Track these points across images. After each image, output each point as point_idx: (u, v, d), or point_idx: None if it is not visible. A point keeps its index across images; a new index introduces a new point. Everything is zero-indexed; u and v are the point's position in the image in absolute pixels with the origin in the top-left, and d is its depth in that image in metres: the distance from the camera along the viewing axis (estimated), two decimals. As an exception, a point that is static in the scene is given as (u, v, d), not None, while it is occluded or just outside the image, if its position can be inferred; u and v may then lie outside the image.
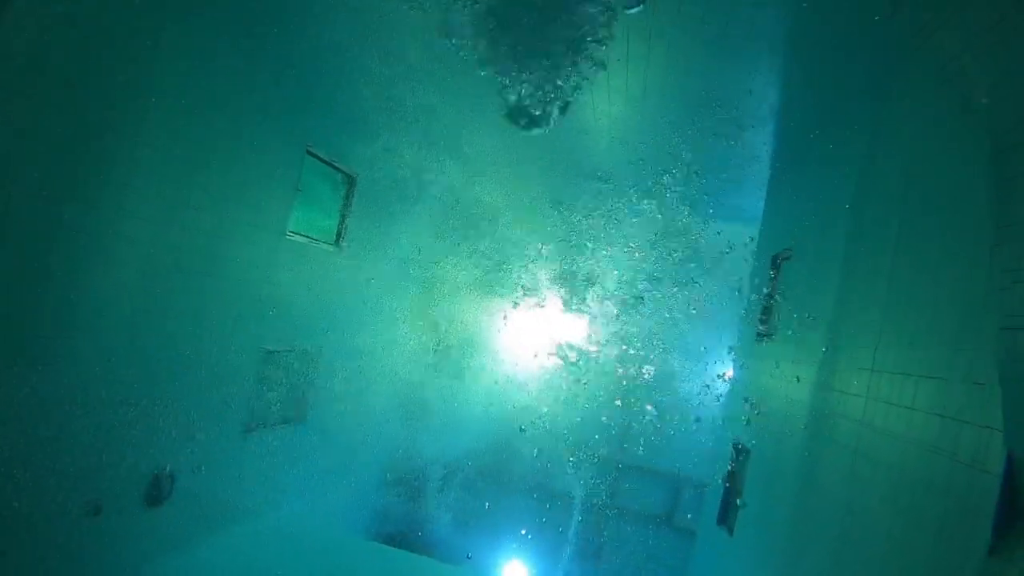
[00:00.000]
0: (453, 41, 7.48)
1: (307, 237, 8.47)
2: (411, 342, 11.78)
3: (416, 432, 12.15)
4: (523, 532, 12.79)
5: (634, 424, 12.83)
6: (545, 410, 12.83)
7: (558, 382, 12.97)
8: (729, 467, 9.24)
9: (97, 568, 6.08)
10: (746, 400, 8.85)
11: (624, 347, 12.53)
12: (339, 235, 9.24)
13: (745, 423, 8.53)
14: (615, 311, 12.61)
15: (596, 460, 13.08)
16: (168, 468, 6.79)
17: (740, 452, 8.79)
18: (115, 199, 5.39)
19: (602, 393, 12.57)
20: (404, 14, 8.76)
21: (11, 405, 4.73)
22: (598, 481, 13.31)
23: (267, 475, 8.50)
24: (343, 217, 9.30)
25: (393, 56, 9.26)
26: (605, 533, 13.60)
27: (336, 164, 8.70)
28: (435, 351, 12.34)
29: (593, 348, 12.95)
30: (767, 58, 6.76)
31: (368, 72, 9.06)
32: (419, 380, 12.15)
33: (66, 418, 5.29)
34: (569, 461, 13.03)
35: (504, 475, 13.13)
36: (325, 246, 8.96)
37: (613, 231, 12.44)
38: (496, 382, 12.92)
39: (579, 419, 12.76)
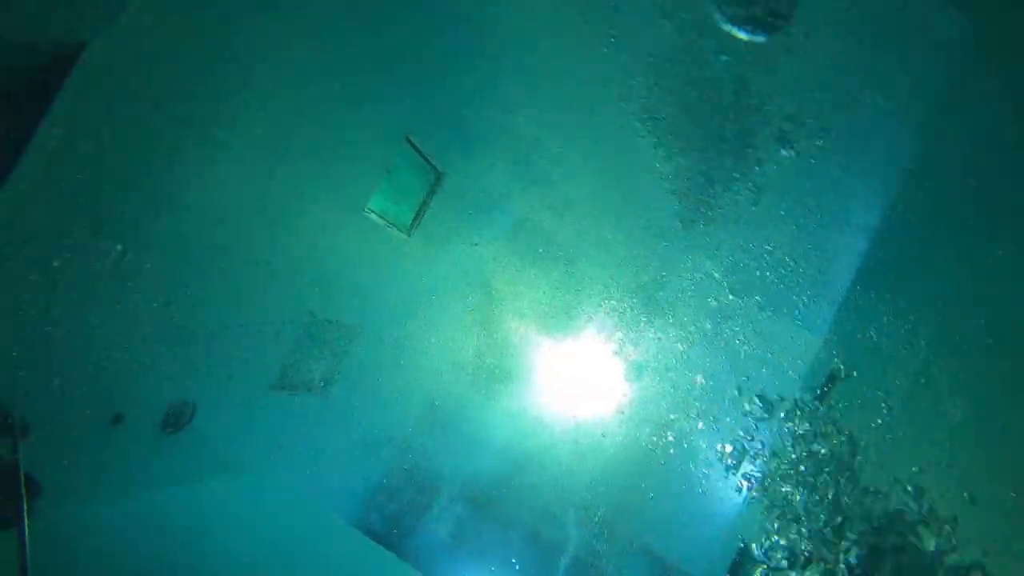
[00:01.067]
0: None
1: (383, 219, 8.57)
2: (455, 348, 11.78)
3: (433, 438, 12.12)
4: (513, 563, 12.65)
5: (643, 496, 12.58)
6: (564, 454, 12.70)
7: (583, 430, 12.79)
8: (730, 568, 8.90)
9: (107, 473, 6.24)
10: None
11: (658, 419, 12.30)
12: (413, 225, 9.31)
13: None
14: (659, 385, 12.39)
15: (595, 520, 12.85)
16: (191, 403, 6.95)
17: (746, 557, 8.44)
18: (214, 138, 5.57)
19: (622, 455, 12.36)
20: (546, 51, 8.95)
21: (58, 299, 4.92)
22: (590, 541, 13.05)
23: (278, 435, 8.59)
24: (422, 209, 9.38)
25: (521, 79, 9.42)
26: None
27: (429, 158, 8.79)
28: (476, 364, 12.29)
29: (624, 410, 12.74)
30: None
31: (490, 87, 9.21)
32: (452, 388, 12.13)
33: (111, 327, 5.47)
34: (570, 514, 12.85)
35: (504, 507, 12.99)
36: (397, 232, 9.04)
37: (682, 312, 12.25)
38: (524, 412, 12.82)
39: (592, 476, 12.60)
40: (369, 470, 11.28)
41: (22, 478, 4.35)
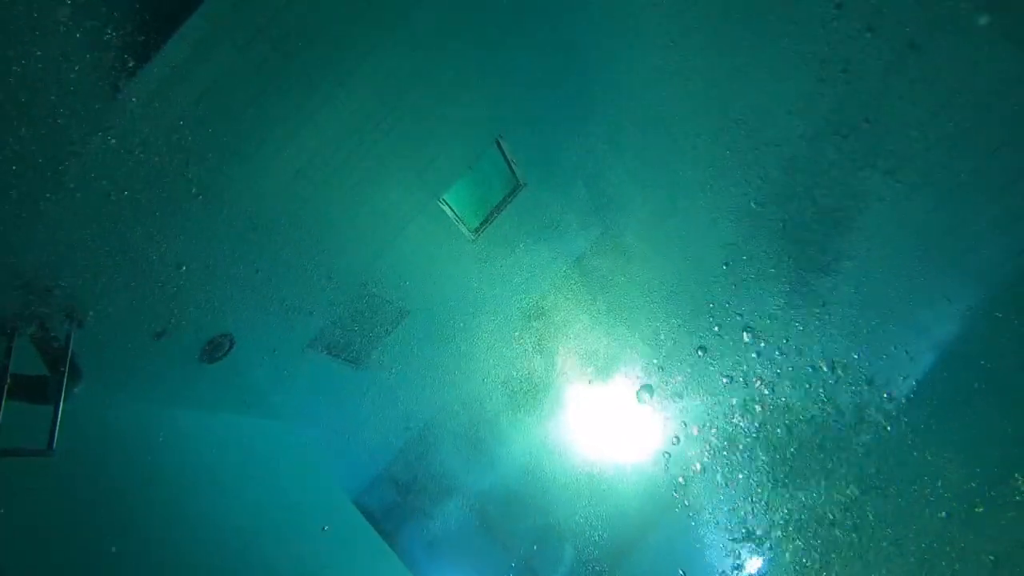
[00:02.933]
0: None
1: (454, 213, 8.74)
2: (494, 360, 11.80)
3: (450, 440, 12.16)
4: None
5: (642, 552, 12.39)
6: (576, 493, 12.61)
7: (600, 474, 12.66)
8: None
9: (144, 382, 6.52)
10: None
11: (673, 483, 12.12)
12: (481, 227, 9.45)
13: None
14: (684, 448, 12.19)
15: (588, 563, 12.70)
16: (231, 337, 7.20)
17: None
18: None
19: (633, 505, 12.21)
20: (651, 105, 9.05)
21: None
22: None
23: (303, 392, 8.79)
24: (492, 214, 9.51)
25: (620, 123, 9.52)
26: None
27: (513, 165, 8.93)
28: (511, 381, 12.28)
29: (644, 464, 12.56)
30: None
31: (591, 120, 9.30)
32: (482, 398, 12.15)
33: (178, 250, 5.76)
34: (566, 551, 12.73)
35: (502, 528, 12.94)
36: (464, 230, 9.19)
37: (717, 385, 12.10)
38: (547, 442, 12.76)
39: (598, 521, 12.47)
40: (380, 452, 11.38)
41: (68, 362, 4.60)
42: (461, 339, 10.66)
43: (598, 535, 12.70)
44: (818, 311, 11.23)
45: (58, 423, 4.16)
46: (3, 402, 3.85)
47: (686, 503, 12.14)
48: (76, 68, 4.23)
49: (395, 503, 12.46)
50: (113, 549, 4.86)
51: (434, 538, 12.85)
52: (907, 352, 11.41)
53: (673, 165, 10.82)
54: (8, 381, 3.95)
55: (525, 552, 12.79)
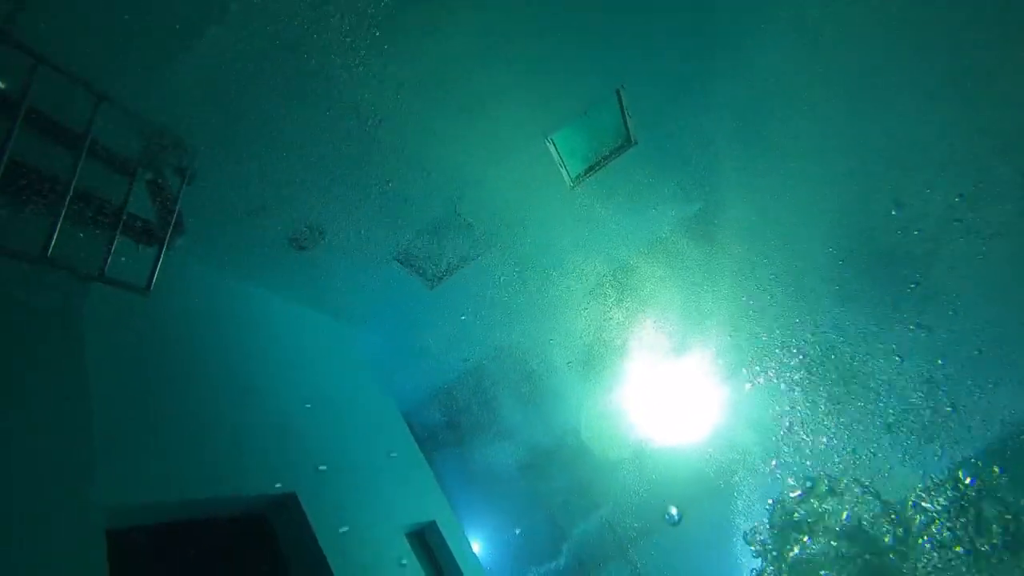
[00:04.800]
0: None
1: (559, 156, 8.60)
2: (567, 315, 11.73)
3: (506, 382, 12.28)
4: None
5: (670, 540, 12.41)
6: (620, 464, 12.62)
7: (649, 452, 12.62)
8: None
9: (236, 255, 6.82)
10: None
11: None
12: (582, 176, 9.28)
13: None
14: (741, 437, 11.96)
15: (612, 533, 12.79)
16: (321, 231, 7.40)
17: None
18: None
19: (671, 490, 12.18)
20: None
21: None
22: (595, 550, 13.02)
23: (376, 300, 9.01)
24: (597, 166, 9.31)
25: (749, 110, 9.13)
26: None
27: (628, 119, 8.68)
28: (585, 340, 12.21)
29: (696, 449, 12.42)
30: None
31: (721, 89, 8.93)
32: (550, 351, 12.14)
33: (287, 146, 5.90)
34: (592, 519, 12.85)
35: (537, 482, 13.13)
36: (565, 176, 9.04)
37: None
38: (604, 412, 12.74)
39: (635, 497, 12.51)
40: (436, 376, 11.62)
41: (176, 214, 4.80)
42: (537, 285, 10.63)
43: (630, 505, 12.69)
44: (911, 330, 10.70)
45: (158, 267, 4.38)
46: (117, 235, 4.05)
47: (731, 492, 11.97)
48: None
49: (438, 429, 12.78)
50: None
51: (468, 471, 13.14)
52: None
53: (785, 158, 10.37)
54: (124, 217, 4.16)
55: (552, 504, 12.94)
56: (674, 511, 12.18)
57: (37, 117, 3.67)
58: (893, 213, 10.46)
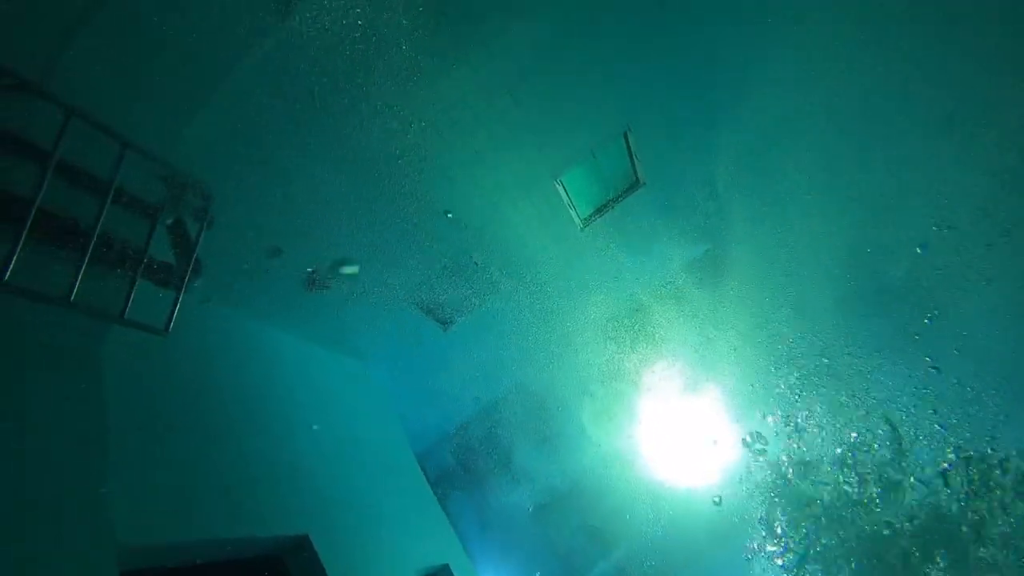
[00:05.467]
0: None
1: (568, 197, 8.74)
2: (582, 352, 11.71)
3: (519, 423, 12.21)
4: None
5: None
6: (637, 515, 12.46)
7: (665, 492, 12.46)
8: None
9: (253, 297, 6.94)
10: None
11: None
12: (591, 218, 9.41)
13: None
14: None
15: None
16: (335, 272, 7.52)
17: None
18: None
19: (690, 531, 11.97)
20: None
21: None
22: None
23: (389, 341, 9.08)
24: (605, 208, 9.44)
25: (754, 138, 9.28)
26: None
27: (636, 161, 8.82)
28: (599, 379, 12.17)
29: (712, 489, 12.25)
30: None
31: (727, 129, 9.08)
32: (564, 390, 12.10)
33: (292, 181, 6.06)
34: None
35: (551, 523, 12.95)
36: (575, 217, 9.17)
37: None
38: (619, 450, 12.63)
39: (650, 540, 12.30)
40: (449, 417, 11.59)
41: (194, 257, 4.92)
42: (550, 326, 10.67)
43: (645, 550, 12.46)
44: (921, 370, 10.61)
45: (177, 308, 4.47)
46: (139, 277, 4.16)
47: (745, 544, 11.74)
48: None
49: (451, 470, 12.67)
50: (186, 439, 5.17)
51: (481, 514, 12.98)
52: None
53: (790, 198, 10.49)
54: (145, 260, 4.27)
55: (567, 548, 12.73)
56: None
57: (64, 164, 3.81)
58: (918, 251, 10.45)
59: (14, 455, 3.05)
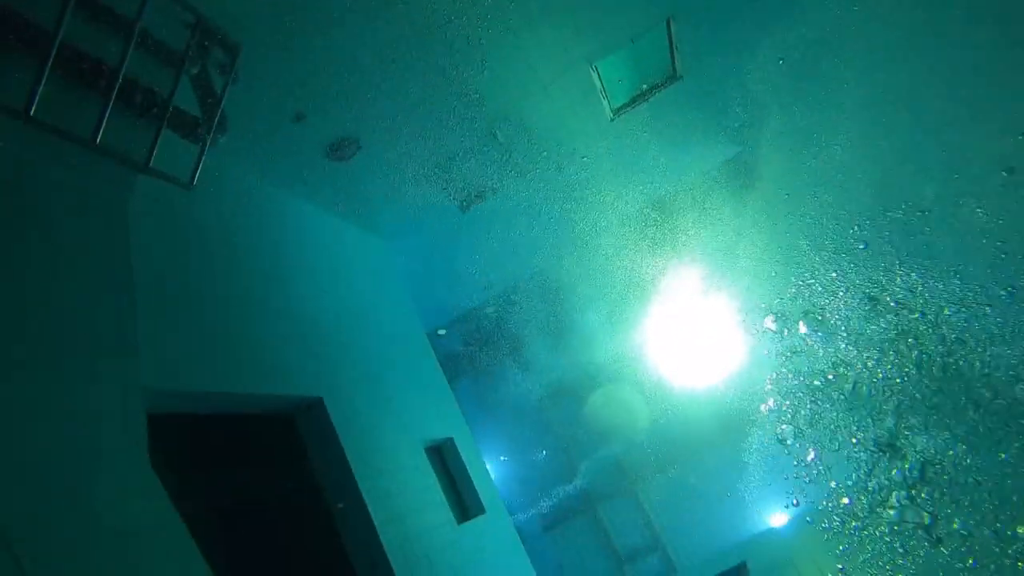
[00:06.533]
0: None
1: (601, 85, 8.41)
2: (603, 249, 11.63)
3: (533, 307, 12.33)
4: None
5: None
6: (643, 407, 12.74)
7: (674, 394, 12.72)
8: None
9: (275, 161, 6.84)
10: None
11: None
12: (623, 108, 9.09)
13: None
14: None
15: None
16: (359, 143, 7.37)
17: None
18: None
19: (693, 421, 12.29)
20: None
21: None
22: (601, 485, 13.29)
23: (407, 218, 9.05)
24: (639, 99, 9.10)
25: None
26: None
27: (676, 52, 8.41)
28: (617, 273, 12.15)
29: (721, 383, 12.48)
30: None
31: (772, 30, 8.56)
32: (580, 282, 12.11)
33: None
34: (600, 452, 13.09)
35: (557, 414, 13.32)
36: (606, 106, 8.86)
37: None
38: (630, 346, 12.80)
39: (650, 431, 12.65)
40: (461, 299, 11.73)
41: (220, 111, 4.79)
42: (569, 215, 10.57)
43: (643, 445, 12.92)
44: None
45: (202, 162, 4.40)
46: (163, 126, 4.07)
47: (751, 437, 12.11)
48: None
49: (459, 353, 12.99)
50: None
51: (486, 397, 13.41)
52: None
53: (828, 109, 10.08)
54: (170, 109, 4.16)
55: (566, 437, 13.21)
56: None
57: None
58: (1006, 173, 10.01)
59: (44, 293, 3.09)
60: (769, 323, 11.46)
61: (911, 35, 9.00)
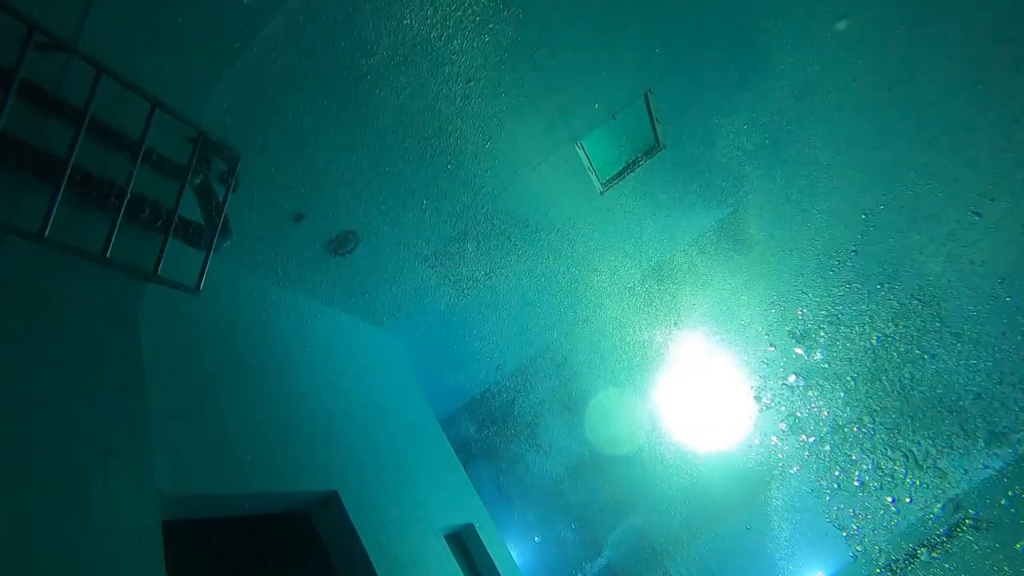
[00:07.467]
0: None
1: (588, 161, 8.71)
2: (604, 320, 11.70)
3: (543, 394, 12.28)
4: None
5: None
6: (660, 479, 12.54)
7: (691, 463, 12.53)
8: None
9: (277, 258, 7.02)
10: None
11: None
12: (612, 181, 9.36)
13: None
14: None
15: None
16: (357, 236, 7.57)
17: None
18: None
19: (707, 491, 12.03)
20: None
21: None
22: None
23: (410, 306, 9.17)
24: (626, 171, 9.39)
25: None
26: None
27: (657, 123, 8.75)
28: (619, 344, 12.18)
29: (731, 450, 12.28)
30: None
31: (749, 89, 8.94)
32: (585, 357, 12.13)
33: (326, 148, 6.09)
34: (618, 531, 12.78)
35: (577, 491, 13.08)
36: (595, 181, 9.14)
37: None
38: (642, 414, 12.70)
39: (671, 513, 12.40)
40: (470, 383, 11.70)
41: (223, 218, 4.99)
42: (572, 289, 10.70)
43: (666, 515, 12.59)
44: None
45: (207, 267, 4.56)
46: (169, 237, 4.24)
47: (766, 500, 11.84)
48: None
49: (474, 437, 12.83)
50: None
51: (503, 479, 13.15)
52: None
53: (811, 163, 10.39)
54: (175, 220, 4.35)
55: (589, 512, 12.89)
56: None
57: (96, 122, 3.87)
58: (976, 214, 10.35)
59: (60, 404, 3.16)
60: (791, 380, 11.44)
61: (878, 90, 9.36)
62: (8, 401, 2.93)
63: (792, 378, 11.60)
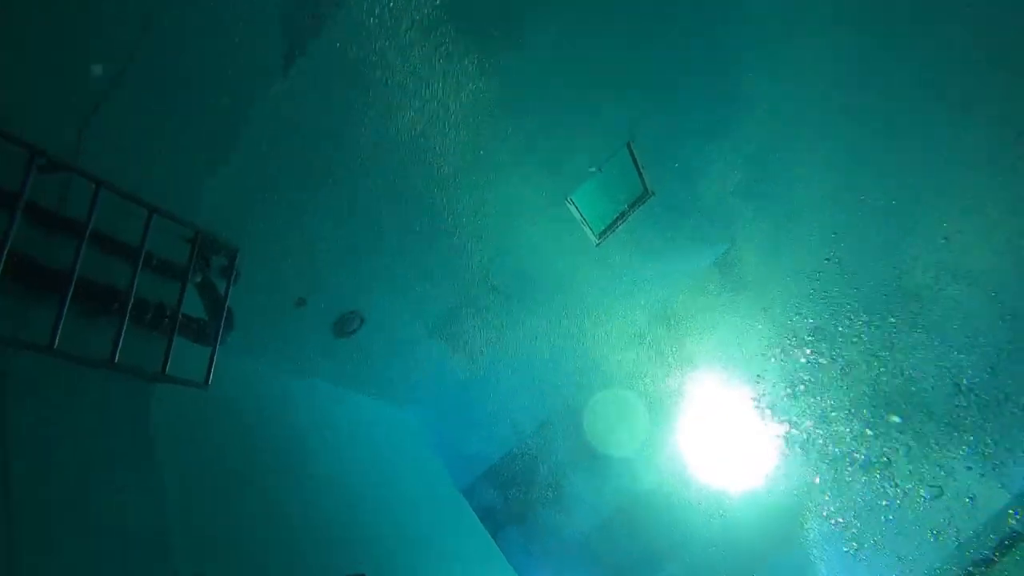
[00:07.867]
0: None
1: (580, 215, 8.83)
2: (615, 370, 11.63)
3: (559, 449, 12.13)
4: None
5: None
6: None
7: (719, 507, 12.27)
8: None
9: (284, 347, 7.08)
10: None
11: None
12: (606, 232, 9.47)
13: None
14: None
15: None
16: (361, 315, 7.64)
17: None
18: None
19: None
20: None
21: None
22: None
23: (420, 379, 9.16)
24: (617, 220, 9.51)
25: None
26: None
27: (643, 171, 8.91)
28: (633, 392, 12.06)
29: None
30: None
31: (733, 128, 9.13)
32: (600, 407, 12.00)
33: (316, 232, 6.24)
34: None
35: (608, 548, 12.77)
36: (589, 233, 9.24)
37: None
38: (662, 463, 12.50)
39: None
40: (489, 450, 11.56)
41: (225, 311, 5.08)
42: (579, 343, 10.69)
43: (703, 560, 12.21)
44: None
45: (214, 362, 4.62)
46: (174, 336, 4.32)
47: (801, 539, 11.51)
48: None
49: (499, 504, 12.58)
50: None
51: (532, 544, 12.83)
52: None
53: (799, 199, 10.50)
54: (179, 319, 4.43)
55: (623, 565, 12.51)
56: None
57: (97, 234, 4.01)
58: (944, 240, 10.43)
59: (80, 512, 3.17)
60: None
61: (859, 125, 9.49)
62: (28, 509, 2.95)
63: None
